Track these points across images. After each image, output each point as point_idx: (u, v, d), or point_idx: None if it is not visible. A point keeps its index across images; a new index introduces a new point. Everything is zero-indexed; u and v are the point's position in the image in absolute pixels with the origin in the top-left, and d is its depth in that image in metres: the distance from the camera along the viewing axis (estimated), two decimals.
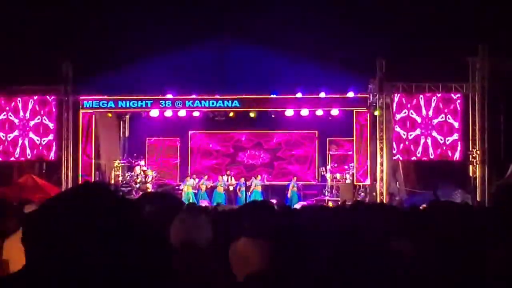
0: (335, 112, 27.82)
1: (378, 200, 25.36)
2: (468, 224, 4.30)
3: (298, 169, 31.41)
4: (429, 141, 26.16)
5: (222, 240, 4.94)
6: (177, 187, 29.58)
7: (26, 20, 26.94)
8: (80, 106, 28.03)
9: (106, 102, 28.10)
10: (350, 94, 27.38)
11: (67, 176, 27.86)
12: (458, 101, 26.26)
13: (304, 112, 27.87)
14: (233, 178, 29.62)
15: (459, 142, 26.05)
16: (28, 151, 27.79)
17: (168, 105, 28.04)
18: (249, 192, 28.42)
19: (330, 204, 25.57)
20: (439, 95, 26.33)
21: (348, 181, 28.25)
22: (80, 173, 27.94)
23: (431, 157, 26.16)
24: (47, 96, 27.88)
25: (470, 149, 25.96)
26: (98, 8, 27.67)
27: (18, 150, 27.83)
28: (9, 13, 26.52)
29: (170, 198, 7.11)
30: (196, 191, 28.84)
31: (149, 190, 26.83)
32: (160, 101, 28.02)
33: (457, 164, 26.39)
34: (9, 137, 27.88)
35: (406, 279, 3.62)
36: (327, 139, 31.00)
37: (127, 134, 32.06)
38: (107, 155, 29.83)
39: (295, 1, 28.07)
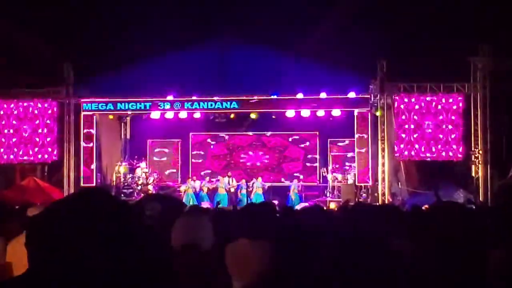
0: (336, 112, 27.80)
1: (380, 201, 25.37)
2: (469, 224, 4.31)
3: (299, 170, 31.38)
4: (431, 141, 26.16)
5: (224, 242, 4.95)
6: (178, 189, 29.57)
7: (27, 22, 26.93)
8: (81, 108, 28.04)
9: (105, 104, 28.10)
10: (351, 95, 27.35)
11: (69, 178, 27.88)
12: (460, 101, 26.24)
13: (305, 113, 27.86)
14: (234, 179, 29.59)
15: (461, 142, 26.03)
16: (30, 153, 27.79)
17: (167, 106, 28.04)
18: (251, 194, 28.41)
19: (333, 205, 25.58)
20: (440, 95, 26.32)
21: (349, 181, 28.22)
22: (81, 175, 27.96)
23: (433, 157, 26.15)
24: (48, 99, 27.90)
25: (472, 149, 25.95)
26: (98, 9, 27.65)
27: (20, 152, 27.83)
28: (9, 15, 26.51)
29: (171, 200, 7.12)
30: (197, 193, 28.81)
31: (150, 192, 26.87)
32: (159, 103, 28.03)
33: (459, 164, 26.38)
34: (11, 139, 27.89)
35: (406, 279, 3.62)
36: (328, 140, 30.98)
37: (128, 136, 32.06)
38: (108, 157, 29.84)
39: (296, 1, 28.04)
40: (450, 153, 26.08)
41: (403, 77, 26.38)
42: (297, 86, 27.47)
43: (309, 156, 31.65)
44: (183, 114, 28.32)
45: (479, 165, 25.94)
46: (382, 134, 26.69)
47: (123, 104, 28.12)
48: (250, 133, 31.75)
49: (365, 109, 27.50)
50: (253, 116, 28.76)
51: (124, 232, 1.88)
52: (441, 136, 26.11)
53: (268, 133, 31.67)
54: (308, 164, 31.59)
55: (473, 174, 26.09)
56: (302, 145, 31.77)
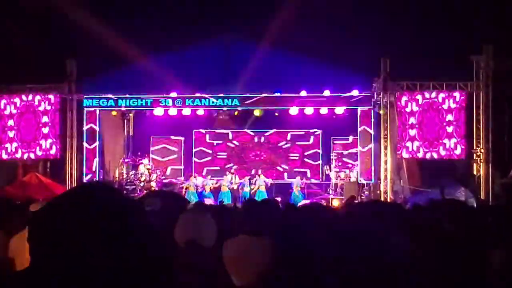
0: (339, 110, 27.82)
1: (382, 199, 25.35)
2: (471, 222, 4.31)
3: (302, 168, 31.37)
4: (433, 139, 26.14)
5: (227, 239, 4.96)
6: (181, 186, 29.56)
7: (29, 18, 26.96)
8: (84, 104, 28.05)
9: (106, 100, 28.11)
10: (355, 93, 27.37)
11: (71, 175, 27.90)
12: (462, 100, 26.21)
13: (309, 110, 27.87)
14: (237, 177, 29.56)
15: (463, 141, 26.00)
16: (32, 149, 27.81)
17: (168, 103, 28.06)
18: (254, 191, 28.40)
19: (336, 202, 25.58)
20: (443, 94, 26.29)
21: (352, 179, 28.24)
22: (84, 172, 27.98)
23: (435, 155, 26.14)
24: (51, 95, 27.89)
25: (474, 148, 25.93)
26: (103, 6, 27.65)
27: (22, 148, 27.85)
28: (12, 11, 26.54)
29: (174, 197, 7.13)
30: (200, 190, 28.81)
31: (153, 189, 26.86)
32: (160, 100, 28.05)
33: (461, 162, 26.37)
34: (14, 135, 27.90)
35: (406, 278, 3.62)
36: (331, 137, 30.95)
37: (131, 132, 32.05)
38: (111, 153, 29.86)
39: (300, 0, 28.03)
40: (452, 152, 26.05)
41: (406, 76, 26.37)
42: (300, 83, 27.48)
43: (312, 153, 31.61)
44: (186, 111, 28.32)
45: (481, 164, 25.91)
46: (384, 132, 26.68)
47: (124, 100, 28.13)
48: (251, 132, 31.70)
49: (368, 107, 27.50)
50: (257, 113, 28.77)
51: (127, 229, 1.89)
52: (443, 134, 26.08)
53: (271, 131, 31.64)
54: (310, 162, 31.56)
55: (475, 173, 26.07)
56: (305, 143, 31.74)
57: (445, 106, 26.16)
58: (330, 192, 28.53)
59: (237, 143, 32.16)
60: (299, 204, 21.03)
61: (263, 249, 4.46)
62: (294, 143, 31.82)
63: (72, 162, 27.99)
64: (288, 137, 31.81)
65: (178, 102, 28.01)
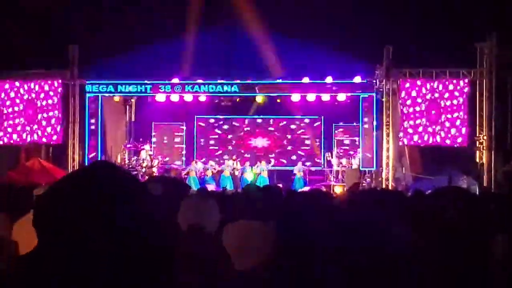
0: (341, 97, 27.81)
1: (383, 186, 25.37)
2: (473, 209, 4.30)
3: (303, 155, 31.39)
4: (435, 126, 26.12)
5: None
6: (182, 172, 29.59)
7: (33, 3, 26.89)
8: (86, 90, 28.07)
9: (105, 86, 28.11)
10: (357, 80, 27.34)
11: (74, 160, 27.93)
12: (465, 87, 26.17)
13: (311, 97, 27.86)
14: (238, 163, 29.59)
15: (465, 128, 25.98)
16: (34, 134, 27.82)
17: (167, 89, 28.07)
18: (255, 177, 28.42)
19: (339, 189, 25.59)
20: (446, 81, 26.25)
21: (354, 166, 28.26)
22: (86, 157, 28.02)
23: (438, 143, 26.12)
24: (54, 80, 27.90)
25: (477, 135, 25.92)
26: None
27: (25, 134, 27.87)
28: None
29: (175, 183, 7.13)
30: (201, 176, 28.85)
31: (154, 175, 26.90)
32: (160, 86, 28.06)
33: (464, 150, 26.36)
34: (16, 121, 27.92)
35: (407, 268, 3.62)
36: (333, 124, 30.95)
37: (133, 118, 32.09)
38: (113, 139, 29.89)
39: None
40: (455, 139, 26.03)
41: (409, 63, 26.33)
42: (303, 70, 27.46)
43: (314, 140, 31.63)
44: (188, 97, 28.33)
45: (483, 151, 25.91)
46: (387, 119, 26.66)
47: (123, 86, 28.11)
48: (257, 118, 31.70)
49: (370, 94, 27.48)
50: (259, 100, 28.77)
51: (130, 213, 1.88)
52: (446, 121, 26.05)
53: (273, 117, 31.63)
54: (312, 149, 31.57)
55: (477, 160, 26.06)
56: (307, 130, 31.74)
57: (448, 94, 26.12)
58: (332, 179, 28.53)
59: (239, 129, 32.17)
60: (301, 190, 21.08)
61: (264, 235, 4.46)
62: (295, 130, 31.82)
63: (74, 148, 28.02)
64: (290, 124, 31.81)
65: (177, 88, 28.01)
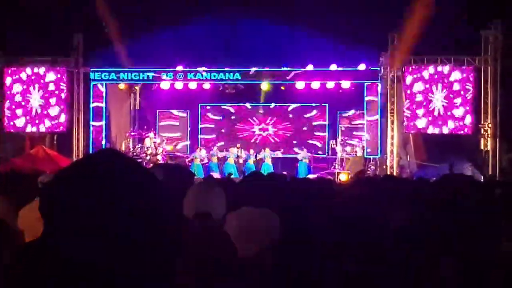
0: (346, 84, 27.79)
1: (388, 173, 25.38)
2: (478, 196, 4.30)
3: (308, 142, 31.35)
4: (440, 114, 26.09)
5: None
6: (186, 159, 29.62)
7: None
8: (90, 78, 28.10)
9: (108, 74, 28.12)
10: (361, 67, 27.31)
11: (78, 148, 27.97)
12: (470, 74, 26.13)
13: (315, 84, 27.85)
14: (243, 150, 29.57)
15: (470, 116, 25.95)
16: (39, 122, 27.86)
17: (170, 77, 28.10)
18: (259, 165, 28.42)
19: (344, 177, 25.60)
20: (450, 68, 26.20)
21: (358, 154, 28.25)
22: (90, 145, 28.05)
23: (442, 130, 26.10)
24: (58, 68, 27.94)
25: (482, 123, 25.90)
26: None
27: (29, 122, 27.90)
28: None
29: (178, 169, 7.13)
30: (206, 163, 28.87)
31: (159, 162, 26.92)
32: (162, 74, 28.09)
33: (468, 137, 26.33)
34: (20, 108, 27.95)
35: (404, 263, 3.62)
36: (337, 112, 30.93)
37: (137, 106, 32.11)
38: (117, 127, 29.93)
39: None
40: (459, 126, 26.01)
41: (414, 50, 26.26)
42: (307, 58, 27.42)
43: (318, 128, 31.60)
44: (192, 85, 28.35)
45: (488, 139, 25.90)
46: (391, 107, 26.66)
47: (125, 74, 28.13)
48: (257, 106, 31.66)
49: (374, 82, 27.46)
50: (265, 87, 28.77)
51: (136, 198, 1.88)
52: (450, 109, 26.03)
53: (276, 105, 31.59)
54: (316, 136, 31.55)
55: (482, 148, 26.05)
56: (311, 117, 31.70)
57: (453, 81, 26.09)
58: (336, 167, 28.52)
59: (243, 117, 32.15)
60: (305, 177, 21.07)
61: (267, 222, 4.45)
62: (299, 117, 31.78)
63: (79, 135, 28.07)
64: (294, 111, 31.77)
65: (179, 76, 28.05)
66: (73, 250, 1.83)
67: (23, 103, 27.93)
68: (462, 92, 26.02)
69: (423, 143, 27.03)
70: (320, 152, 30.87)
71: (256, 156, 28.94)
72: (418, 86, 26.25)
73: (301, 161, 28.92)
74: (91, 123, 28.21)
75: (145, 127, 30.51)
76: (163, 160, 28.59)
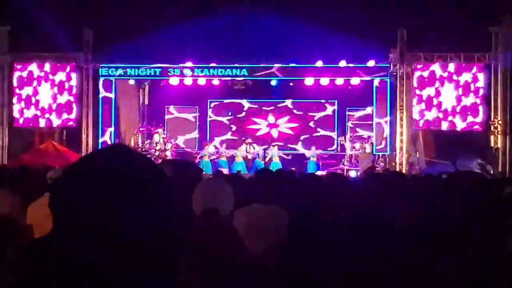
0: (355, 81, 27.76)
1: (397, 170, 25.33)
2: (487, 193, 4.27)
3: (317, 139, 31.32)
4: (449, 111, 26.04)
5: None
6: (195, 155, 29.63)
7: None
8: (99, 74, 28.15)
9: (115, 69, 28.17)
10: (371, 63, 27.26)
11: (87, 143, 28.01)
12: (480, 70, 26.06)
13: (324, 81, 27.83)
14: (251, 147, 29.55)
15: (480, 112, 25.88)
16: (48, 118, 27.91)
17: (177, 73, 28.13)
18: (268, 161, 28.40)
19: (353, 173, 25.57)
20: (460, 65, 26.14)
21: (367, 150, 28.21)
22: (100, 140, 28.10)
23: (452, 127, 26.05)
24: (67, 64, 28.00)
25: (492, 119, 25.82)
26: None
27: (39, 117, 27.95)
28: None
29: (187, 165, 7.13)
30: (215, 159, 28.88)
31: (168, 158, 26.93)
32: (169, 70, 28.13)
33: (478, 134, 26.26)
34: (30, 104, 28.01)
35: (409, 264, 3.60)
36: (347, 108, 30.89)
37: (146, 101, 32.17)
38: (126, 122, 29.97)
39: None
40: (469, 123, 25.95)
41: (423, 47, 26.22)
42: (316, 54, 27.38)
43: (327, 124, 31.56)
44: (201, 81, 28.38)
45: (498, 136, 25.82)
46: (400, 103, 26.61)
47: (133, 69, 28.18)
48: (269, 101, 31.63)
49: (384, 78, 27.42)
50: (274, 83, 28.80)
51: (146, 194, 1.88)
52: (460, 106, 25.97)
53: (286, 101, 31.58)
54: (325, 133, 31.51)
55: (492, 145, 25.98)
56: (320, 114, 31.67)
57: (463, 77, 26.03)
58: (345, 163, 28.49)
59: (252, 113, 32.14)
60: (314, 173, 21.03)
61: (276, 218, 4.46)
62: (308, 114, 31.75)
63: (88, 131, 28.09)
64: (303, 108, 31.74)
65: (187, 72, 28.08)
66: (76, 249, 1.83)
67: (32, 99, 27.97)
68: (472, 89, 25.96)
69: (433, 140, 26.98)
70: (328, 149, 30.84)
71: (265, 153, 28.91)
72: (428, 83, 26.20)
73: (309, 158, 28.88)
74: (100, 118, 28.24)
75: (154, 122, 30.54)
76: (172, 156, 28.61)
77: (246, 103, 31.99)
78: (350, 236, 3.64)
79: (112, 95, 28.42)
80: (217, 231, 4.07)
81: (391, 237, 3.73)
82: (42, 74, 27.99)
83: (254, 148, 29.39)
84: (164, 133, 29.94)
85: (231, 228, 4.12)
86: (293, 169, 20.77)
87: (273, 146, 29.46)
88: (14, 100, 28.06)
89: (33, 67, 28.02)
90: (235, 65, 27.83)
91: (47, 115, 27.91)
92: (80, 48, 27.85)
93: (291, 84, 29.15)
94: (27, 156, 25.77)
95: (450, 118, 26.01)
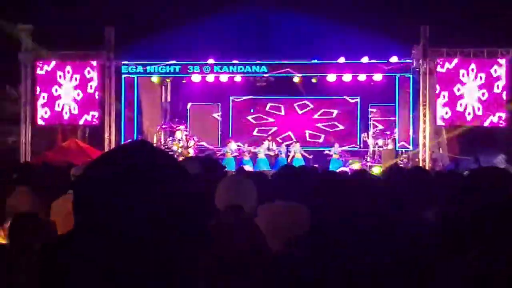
0: (378, 77, 27.68)
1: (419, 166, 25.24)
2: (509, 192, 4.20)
3: (340, 135, 31.23)
4: (473, 106, 25.88)
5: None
6: (218, 152, 29.66)
7: None
8: (122, 71, 28.28)
9: (135, 67, 28.28)
10: (394, 60, 27.17)
11: (110, 141, 28.10)
12: (504, 66, 25.88)
13: (347, 77, 27.77)
14: (274, 144, 29.52)
15: (504, 108, 25.72)
16: (71, 115, 28.04)
17: (196, 70, 28.19)
18: (290, 158, 28.38)
19: (377, 169, 25.47)
20: (484, 60, 25.99)
21: (390, 147, 28.11)
22: (122, 138, 28.21)
23: (475, 123, 25.90)
24: (90, 61, 28.10)
25: None
26: None
27: (62, 115, 28.10)
28: None
29: (212, 163, 7.13)
30: (237, 156, 28.89)
31: (190, 155, 26.98)
32: (188, 67, 28.19)
33: (502, 130, 26.09)
34: (53, 102, 28.15)
35: (436, 248, 3.56)
36: (369, 104, 30.79)
37: (169, 99, 32.24)
38: (149, 119, 30.08)
39: None
40: (493, 119, 25.78)
41: (446, 42, 26.09)
42: (338, 50, 27.33)
43: (350, 121, 31.47)
44: (223, 78, 28.42)
45: None
46: (424, 99, 26.48)
47: (152, 67, 28.28)
48: (292, 98, 31.59)
49: (407, 74, 27.33)
50: (296, 80, 28.75)
51: (173, 193, 1.87)
52: (484, 101, 25.80)
53: (309, 98, 31.53)
54: (348, 130, 31.42)
55: None
56: (343, 110, 31.58)
57: (486, 73, 25.85)
58: (368, 160, 28.41)
59: (274, 110, 32.12)
60: (339, 170, 21.01)
61: (298, 216, 4.45)
62: (331, 110, 31.67)
63: (111, 128, 28.18)
64: (325, 104, 31.67)
65: (206, 69, 28.14)
66: (93, 246, 1.82)
67: (55, 97, 28.11)
68: (495, 84, 25.78)
69: (456, 136, 26.83)
70: (351, 146, 30.74)
71: (287, 150, 28.88)
72: (451, 79, 26.05)
73: (332, 155, 28.80)
74: (123, 116, 28.38)
75: (176, 119, 30.61)
76: (194, 153, 28.66)
77: (268, 100, 31.93)
78: (355, 236, 3.61)
79: (134, 93, 28.55)
80: (240, 227, 4.07)
81: (397, 236, 3.70)
82: (64, 72, 28.11)
83: (276, 145, 29.38)
84: (186, 130, 30.00)
85: (254, 225, 4.12)
86: (316, 166, 20.80)
87: (296, 143, 29.41)
88: (37, 98, 28.22)
89: (56, 65, 28.16)
90: (256, 62, 27.86)
91: (69, 113, 28.04)
92: (102, 46, 27.94)
93: (313, 80, 29.07)
94: (50, 154, 25.92)
95: (473, 113, 25.84)
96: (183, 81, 30.07)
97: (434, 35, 26.00)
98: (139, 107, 29.18)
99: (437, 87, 26.14)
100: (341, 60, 27.44)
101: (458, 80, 25.98)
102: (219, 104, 32.11)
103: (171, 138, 29.63)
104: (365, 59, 27.28)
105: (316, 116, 31.81)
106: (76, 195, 1.92)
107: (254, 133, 31.69)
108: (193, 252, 1.90)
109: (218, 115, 32.28)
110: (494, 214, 3.55)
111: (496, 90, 25.76)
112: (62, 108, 28.06)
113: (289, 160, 28.01)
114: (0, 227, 5.54)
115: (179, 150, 28.35)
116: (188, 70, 28.29)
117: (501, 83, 25.75)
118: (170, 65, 28.18)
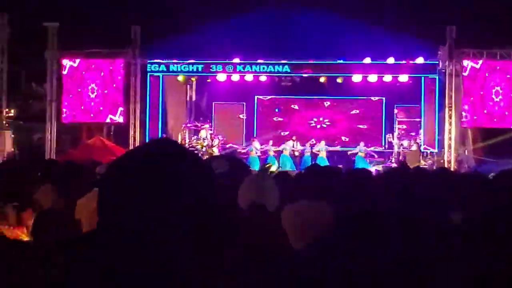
0: (403, 78, 27.56)
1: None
2: None
3: (365, 135, 31.12)
4: (499, 108, 25.71)
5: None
6: (242, 151, 29.68)
7: None
8: (147, 70, 28.37)
9: (157, 65, 28.37)
10: (420, 60, 27.05)
11: (135, 139, 28.19)
12: None
13: (372, 78, 27.69)
14: (299, 143, 29.50)
15: None
16: (96, 113, 28.16)
17: (219, 69, 28.23)
18: (315, 158, 28.33)
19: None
20: (510, 61, 25.79)
21: (415, 148, 27.98)
22: (147, 136, 28.29)
23: (501, 124, 25.72)
24: (116, 59, 28.20)
25: None
26: None
27: (87, 113, 28.23)
28: None
29: (237, 162, 7.15)
30: (262, 155, 28.89)
31: (215, 154, 27.01)
32: (211, 66, 28.24)
33: None
34: (78, 99, 28.28)
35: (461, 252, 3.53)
36: (395, 105, 30.65)
37: (193, 97, 32.31)
38: (174, 118, 30.15)
39: None
40: None
41: (473, 43, 25.92)
42: (364, 51, 27.25)
43: (375, 121, 31.36)
44: (248, 77, 28.44)
45: None
46: (449, 101, 26.32)
47: (175, 66, 28.35)
48: (316, 98, 31.54)
49: (433, 75, 27.20)
50: (322, 80, 28.72)
51: (195, 190, 1.87)
52: (510, 104, 25.62)
53: (334, 98, 31.46)
54: (373, 130, 31.31)
55: None
56: (368, 110, 31.48)
57: None
58: (393, 161, 28.30)
59: (299, 109, 32.08)
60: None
61: (322, 215, 4.43)
62: (356, 111, 31.59)
63: (136, 127, 28.26)
64: (351, 105, 31.59)
65: (229, 68, 28.18)
66: (115, 243, 1.82)
67: (80, 95, 28.24)
68: None
69: (482, 138, 26.67)
70: (376, 146, 30.64)
71: (312, 149, 28.84)
72: (477, 80, 25.88)
73: (357, 154, 28.72)
74: (147, 114, 28.48)
75: (201, 118, 30.67)
76: (219, 151, 28.68)
77: (293, 100, 31.90)
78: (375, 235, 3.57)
79: (159, 91, 28.65)
80: (262, 226, 4.07)
81: (447, 225, 3.67)
82: (90, 70, 28.23)
83: (300, 145, 29.36)
84: (211, 129, 30.05)
85: (276, 224, 4.12)
86: (340, 166, 20.76)
87: (320, 142, 29.36)
88: (63, 95, 28.36)
89: (81, 63, 28.28)
90: (280, 61, 27.84)
91: (95, 111, 28.16)
92: (128, 44, 28.04)
93: (338, 80, 28.99)
94: (75, 151, 26.06)
95: (500, 115, 25.66)
96: (208, 80, 30.12)
97: (460, 36, 25.85)
98: (164, 105, 29.27)
99: (463, 88, 25.97)
100: (367, 60, 27.37)
101: (484, 81, 25.79)
102: (244, 103, 32.11)
103: (195, 137, 29.69)
104: (391, 60, 27.17)
105: (341, 116, 31.73)
106: (99, 194, 1.92)
107: (279, 132, 31.64)
108: (217, 248, 1.90)
109: (243, 116, 32.26)
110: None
111: None
112: (87, 106, 28.18)
113: (313, 158, 27.95)
114: (22, 224, 5.60)
115: (204, 149, 28.39)
116: (211, 69, 28.36)
117: None
118: (193, 64, 28.24)
